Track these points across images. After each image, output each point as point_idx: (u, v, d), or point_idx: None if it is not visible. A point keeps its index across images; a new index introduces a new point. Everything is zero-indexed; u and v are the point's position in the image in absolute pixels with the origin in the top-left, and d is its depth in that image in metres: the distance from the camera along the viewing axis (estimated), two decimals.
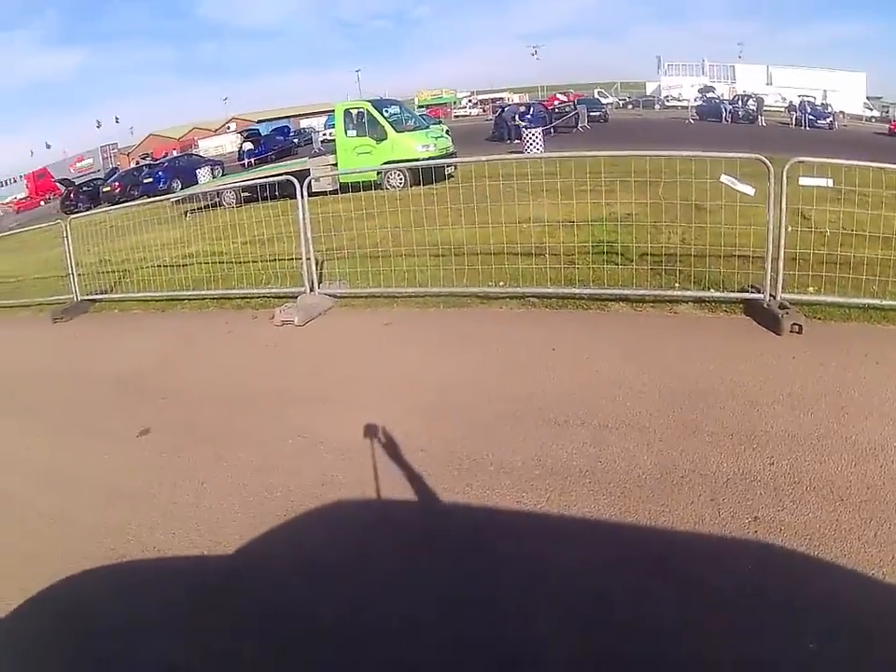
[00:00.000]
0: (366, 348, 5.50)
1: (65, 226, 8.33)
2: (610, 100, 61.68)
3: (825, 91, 56.21)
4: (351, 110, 15.90)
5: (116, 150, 64.22)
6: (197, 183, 25.10)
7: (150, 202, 11.97)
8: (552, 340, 5.03)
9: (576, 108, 34.98)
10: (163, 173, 28.60)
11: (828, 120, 39.31)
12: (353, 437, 3.83)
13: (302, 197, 6.41)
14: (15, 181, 60.77)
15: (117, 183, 29.50)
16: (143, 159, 44.05)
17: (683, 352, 4.63)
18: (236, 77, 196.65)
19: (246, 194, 13.17)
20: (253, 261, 7.67)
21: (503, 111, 33.36)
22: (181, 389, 5.10)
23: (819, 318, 4.98)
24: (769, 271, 5.03)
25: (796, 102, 43.51)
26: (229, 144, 57.56)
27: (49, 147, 75.83)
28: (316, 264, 6.69)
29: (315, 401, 4.53)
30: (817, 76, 66.96)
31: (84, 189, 31.75)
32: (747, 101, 43.23)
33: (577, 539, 2.88)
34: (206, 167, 28.54)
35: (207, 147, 57.69)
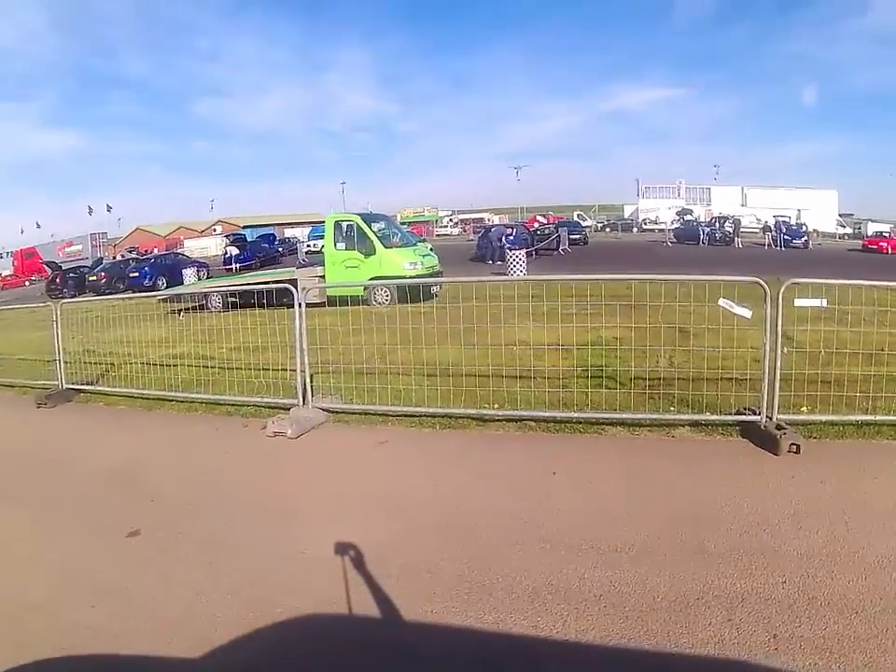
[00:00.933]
0: (362, 465, 5.36)
1: (55, 310, 8.32)
2: (589, 222, 64.05)
3: (799, 210, 58.58)
4: (341, 223, 15.98)
5: (105, 240, 64.82)
6: (182, 283, 25.40)
7: (137, 296, 12.06)
8: (551, 463, 4.97)
9: (558, 231, 36.33)
10: (150, 269, 28.93)
11: (803, 240, 41.29)
12: (353, 556, 3.70)
13: (300, 306, 6.40)
14: (1, 257, 60.70)
15: (103, 273, 29.78)
16: (129, 252, 44.28)
17: (685, 475, 4.62)
18: (224, 179, 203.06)
19: (233, 299, 13.21)
20: (243, 368, 7.60)
21: (489, 231, 33.81)
22: (171, 492, 4.92)
23: (815, 437, 5.06)
24: (766, 392, 5.11)
25: (771, 222, 45.38)
26: (214, 246, 58.67)
27: (39, 226, 76.49)
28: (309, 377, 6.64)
29: (311, 516, 4.39)
30: (790, 194, 70.23)
31: (71, 275, 31.98)
32: (723, 223, 45.10)
33: (598, 665, 2.77)
34: (192, 268, 29.07)
35: (192, 247, 58.83)
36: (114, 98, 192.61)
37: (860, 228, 57.69)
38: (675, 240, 44.29)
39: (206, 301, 14.59)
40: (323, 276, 15.54)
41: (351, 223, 15.78)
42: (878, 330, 5.97)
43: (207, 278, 27.47)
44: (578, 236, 40.37)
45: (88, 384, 8.19)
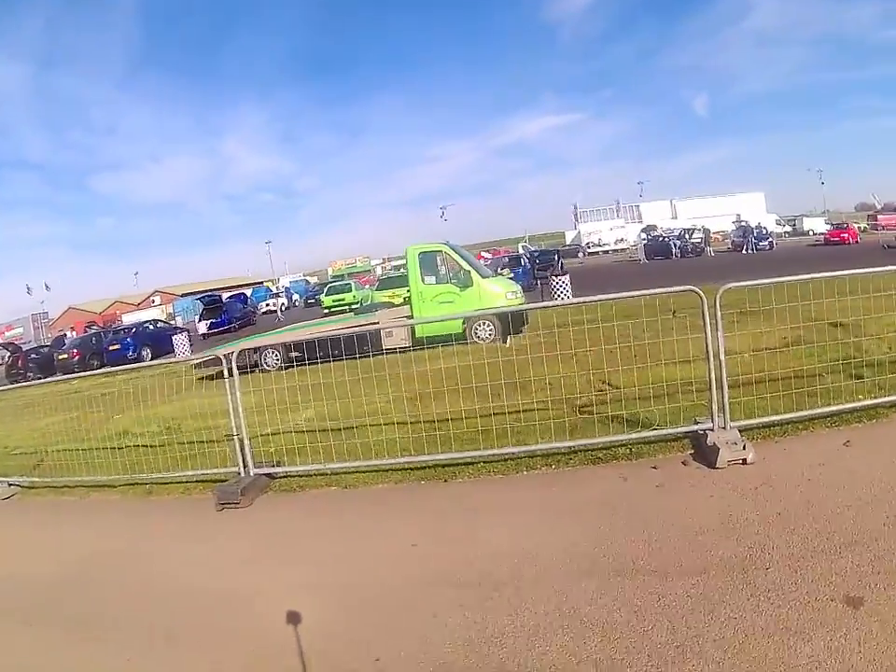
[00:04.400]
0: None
1: (234, 373, 5.99)
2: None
3: (738, 214, 60.31)
4: (428, 254, 13.76)
5: (46, 320, 61.66)
6: (173, 351, 23.29)
7: (165, 363, 10.55)
8: None
9: (558, 258, 36.35)
10: (132, 339, 26.31)
11: (769, 241, 42.25)
12: None
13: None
14: None
15: (75, 350, 26.59)
16: (89, 328, 40.82)
17: None
18: (140, 253, 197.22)
19: (296, 354, 11.41)
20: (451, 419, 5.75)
21: None
22: None
23: None
24: None
25: (731, 229, 47.97)
26: (155, 318, 55.49)
27: None
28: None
29: None
30: (718, 202, 72.30)
31: (33, 356, 28.81)
32: (692, 234, 45.26)
33: None
34: (181, 334, 26.56)
35: (131, 321, 55.62)
36: (15, 179, 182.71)
37: (794, 224, 59.81)
38: (645, 257, 43.74)
39: (260, 359, 12.97)
40: (409, 316, 13.44)
41: (439, 254, 13.77)
42: None
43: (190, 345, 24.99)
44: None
45: (274, 464, 6.13)
